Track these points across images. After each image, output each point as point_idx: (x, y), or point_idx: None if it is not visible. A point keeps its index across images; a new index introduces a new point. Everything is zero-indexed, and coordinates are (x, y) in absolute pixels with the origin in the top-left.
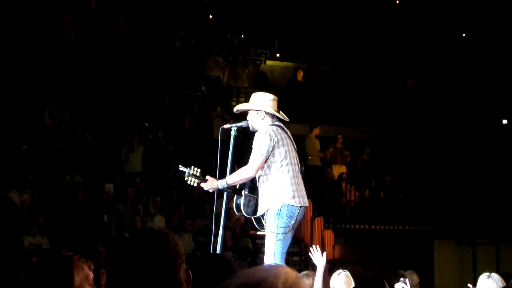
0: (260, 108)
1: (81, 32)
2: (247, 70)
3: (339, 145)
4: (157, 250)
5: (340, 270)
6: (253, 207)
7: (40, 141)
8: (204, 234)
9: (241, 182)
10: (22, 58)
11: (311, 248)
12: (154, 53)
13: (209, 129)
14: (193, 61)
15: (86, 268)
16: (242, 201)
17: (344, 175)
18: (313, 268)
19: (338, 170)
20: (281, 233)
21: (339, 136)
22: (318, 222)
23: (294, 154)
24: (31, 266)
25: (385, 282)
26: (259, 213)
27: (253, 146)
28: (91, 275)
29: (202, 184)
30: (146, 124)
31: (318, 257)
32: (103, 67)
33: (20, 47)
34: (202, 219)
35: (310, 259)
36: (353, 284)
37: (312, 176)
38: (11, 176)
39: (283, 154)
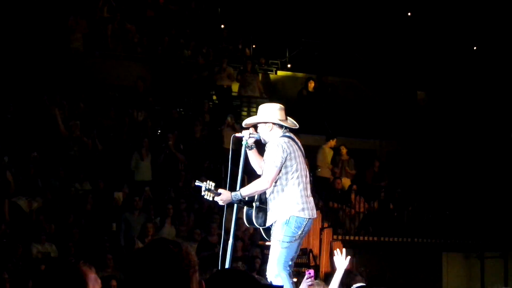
0: (267, 119)
1: (91, 40)
2: (257, 78)
3: (344, 157)
4: (170, 260)
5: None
6: (263, 218)
7: (51, 149)
8: (206, 248)
9: (256, 193)
10: (32, 65)
11: (335, 251)
12: (165, 62)
13: (219, 139)
14: (205, 71)
15: (94, 274)
16: (253, 212)
17: (354, 187)
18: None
19: (344, 182)
20: (287, 242)
21: (343, 147)
22: (327, 233)
23: (304, 166)
24: (40, 274)
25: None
26: (267, 224)
27: (265, 157)
28: (99, 280)
29: (216, 198)
30: (158, 132)
31: (341, 260)
32: (115, 75)
33: (31, 54)
34: (207, 230)
35: (319, 269)
36: None
37: (322, 187)
38: (21, 184)
39: (294, 166)
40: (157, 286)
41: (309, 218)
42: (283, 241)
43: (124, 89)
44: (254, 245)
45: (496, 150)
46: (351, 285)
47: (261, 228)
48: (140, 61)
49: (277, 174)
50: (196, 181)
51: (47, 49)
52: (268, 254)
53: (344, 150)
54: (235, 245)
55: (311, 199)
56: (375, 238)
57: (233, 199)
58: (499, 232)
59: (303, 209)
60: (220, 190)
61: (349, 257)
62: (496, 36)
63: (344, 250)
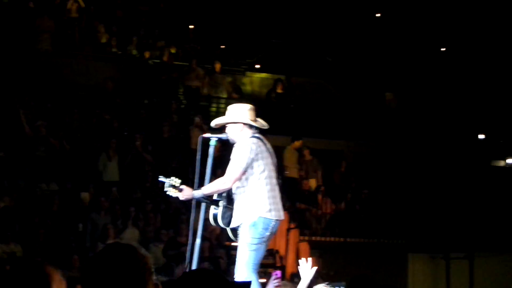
0: (237, 120)
1: (60, 40)
2: (226, 79)
3: (307, 157)
4: (125, 264)
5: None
6: (229, 218)
7: (17, 149)
8: (172, 247)
9: (217, 192)
10: None
11: (300, 261)
12: (132, 62)
13: (187, 139)
14: (174, 72)
15: (59, 275)
16: (219, 211)
17: (322, 188)
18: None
19: (310, 183)
20: (255, 244)
21: (305, 148)
22: (294, 234)
23: (272, 168)
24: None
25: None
26: (233, 224)
27: (231, 157)
28: (64, 282)
29: (177, 194)
30: (125, 133)
31: (307, 268)
32: (83, 75)
33: None
34: (176, 230)
35: (285, 270)
36: None
37: (289, 188)
38: None
39: (261, 167)
40: None
41: (276, 220)
42: (251, 244)
43: (92, 89)
44: (220, 246)
45: (463, 152)
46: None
47: (228, 228)
48: (108, 61)
49: (240, 175)
50: (160, 176)
51: (14, 49)
52: (234, 255)
53: (306, 151)
54: (202, 246)
55: (279, 200)
56: (342, 239)
57: (195, 196)
58: (465, 233)
59: (270, 210)
60: (182, 187)
61: (315, 268)
62: (463, 37)
63: (310, 259)
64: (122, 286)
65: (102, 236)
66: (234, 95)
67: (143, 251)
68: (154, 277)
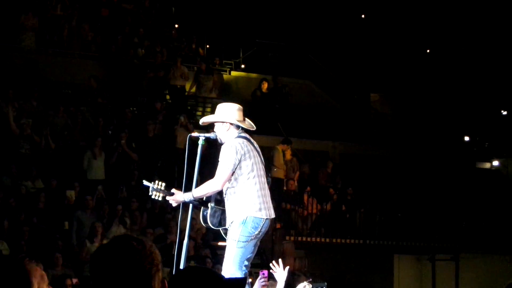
0: (224, 119)
1: (44, 38)
2: (212, 79)
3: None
4: (132, 257)
5: (305, 283)
6: (219, 218)
7: (2, 146)
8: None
9: (207, 195)
10: None
11: (271, 264)
12: (119, 61)
13: (172, 139)
14: (160, 71)
15: (39, 269)
16: (208, 212)
17: (308, 188)
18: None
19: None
20: (243, 241)
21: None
22: (280, 234)
23: (260, 166)
24: None
25: None
26: (226, 225)
27: (219, 159)
28: (46, 277)
29: (168, 198)
30: (110, 131)
31: (280, 271)
32: (67, 73)
33: None
34: (162, 228)
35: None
36: None
37: (275, 188)
38: None
39: (249, 166)
40: (119, 283)
41: (266, 219)
42: (239, 241)
43: (77, 87)
44: (206, 245)
45: (448, 153)
46: (296, 286)
47: (220, 229)
48: (93, 59)
49: (229, 176)
50: (144, 181)
51: None
52: (220, 255)
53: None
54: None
55: (269, 199)
56: (327, 240)
57: (185, 199)
58: (451, 235)
59: (260, 209)
60: (172, 190)
61: (287, 268)
62: (448, 39)
63: (280, 261)
64: (126, 278)
65: (90, 235)
66: (219, 95)
67: (152, 246)
68: (160, 274)
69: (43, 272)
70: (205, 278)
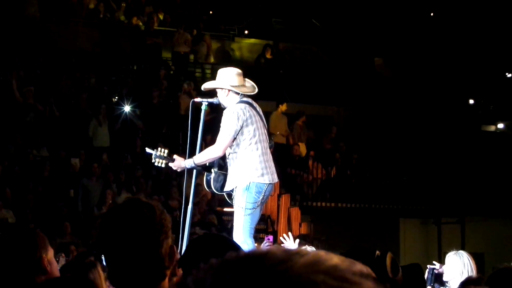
0: (223, 85)
1: (47, 6)
2: (204, 44)
3: (300, 123)
4: (140, 222)
5: (306, 247)
6: (222, 182)
7: (7, 115)
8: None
9: (208, 161)
10: None
11: (281, 238)
12: (121, 28)
13: (176, 105)
14: (159, 37)
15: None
16: (212, 177)
17: (312, 153)
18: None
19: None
20: (250, 209)
21: (302, 113)
22: (285, 199)
23: (263, 131)
24: None
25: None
26: (226, 188)
27: (221, 124)
28: (51, 249)
29: (170, 164)
30: (114, 99)
31: (290, 243)
32: (71, 41)
33: None
34: (167, 194)
35: (277, 235)
36: None
37: (279, 154)
38: None
39: (252, 132)
40: (125, 247)
41: (269, 183)
42: (246, 208)
43: (81, 55)
44: (212, 211)
45: (453, 117)
46: None
47: (225, 194)
48: (96, 27)
49: (230, 142)
50: (147, 148)
51: (1, 15)
52: (226, 221)
53: (302, 118)
54: (193, 211)
55: (272, 163)
56: (333, 204)
57: (187, 166)
58: (456, 198)
59: (262, 174)
60: (174, 157)
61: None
62: (453, 2)
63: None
64: (134, 241)
65: (99, 202)
66: (222, 61)
67: (163, 213)
68: (170, 240)
69: (49, 245)
70: (222, 245)
